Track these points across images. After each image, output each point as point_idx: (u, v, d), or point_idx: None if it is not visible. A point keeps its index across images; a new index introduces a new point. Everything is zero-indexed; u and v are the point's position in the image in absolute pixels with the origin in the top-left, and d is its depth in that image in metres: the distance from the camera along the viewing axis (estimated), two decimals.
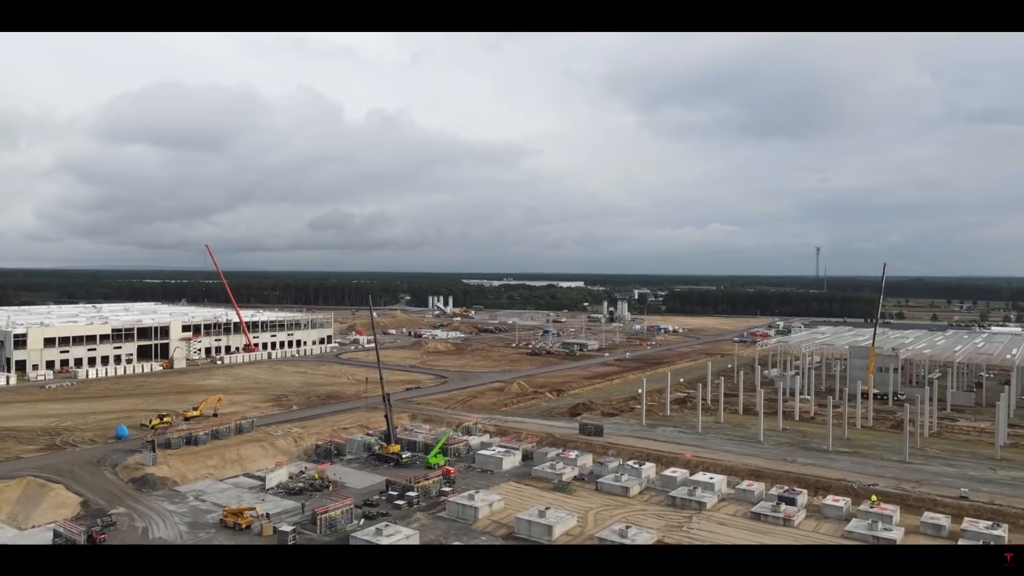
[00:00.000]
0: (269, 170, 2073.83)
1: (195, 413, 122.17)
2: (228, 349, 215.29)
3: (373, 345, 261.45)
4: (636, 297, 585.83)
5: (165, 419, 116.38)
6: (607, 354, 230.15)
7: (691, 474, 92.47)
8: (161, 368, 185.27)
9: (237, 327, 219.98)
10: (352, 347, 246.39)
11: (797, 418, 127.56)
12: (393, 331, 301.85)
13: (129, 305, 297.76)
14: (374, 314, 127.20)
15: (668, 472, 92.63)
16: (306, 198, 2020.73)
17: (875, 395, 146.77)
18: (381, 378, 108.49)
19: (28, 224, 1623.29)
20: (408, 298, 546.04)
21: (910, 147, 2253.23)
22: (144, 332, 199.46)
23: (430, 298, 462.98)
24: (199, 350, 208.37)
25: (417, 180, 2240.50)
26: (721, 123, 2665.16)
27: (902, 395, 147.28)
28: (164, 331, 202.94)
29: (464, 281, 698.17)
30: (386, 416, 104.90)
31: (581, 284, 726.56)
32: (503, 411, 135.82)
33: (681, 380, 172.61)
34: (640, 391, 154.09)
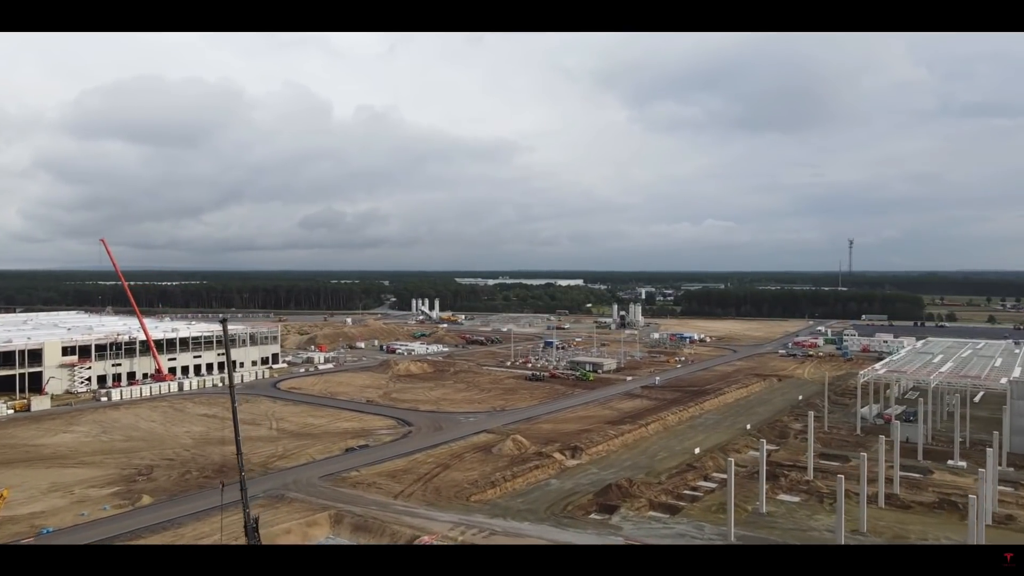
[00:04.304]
0: (257, 168, 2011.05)
1: None
2: (132, 377, 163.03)
3: (330, 365, 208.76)
4: (643, 297, 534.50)
5: None
6: (629, 377, 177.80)
7: None
8: (13, 411, 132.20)
9: (145, 347, 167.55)
10: (303, 368, 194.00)
11: (990, 520, 74.68)
12: (363, 344, 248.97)
13: (31, 316, 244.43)
14: (229, 347, 75.14)
15: None
16: (297, 196, 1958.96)
17: None
18: (243, 480, 56.36)
19: (15, 225, 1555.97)
20: (393, 299, 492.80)
21: (904, 141, 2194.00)
22: (6, 357, 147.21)
23: (414, 301, 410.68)
24: (87, 380, 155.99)
25: (409, 177, 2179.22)
26: (714, 117, 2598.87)
27: None
28: (36, 355, 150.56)
29: (457, 280, 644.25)
30: None
31: (580, 282, 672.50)
32: (489, 499, 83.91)
33: (748, 427, 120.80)
34: (701, 459, 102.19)
